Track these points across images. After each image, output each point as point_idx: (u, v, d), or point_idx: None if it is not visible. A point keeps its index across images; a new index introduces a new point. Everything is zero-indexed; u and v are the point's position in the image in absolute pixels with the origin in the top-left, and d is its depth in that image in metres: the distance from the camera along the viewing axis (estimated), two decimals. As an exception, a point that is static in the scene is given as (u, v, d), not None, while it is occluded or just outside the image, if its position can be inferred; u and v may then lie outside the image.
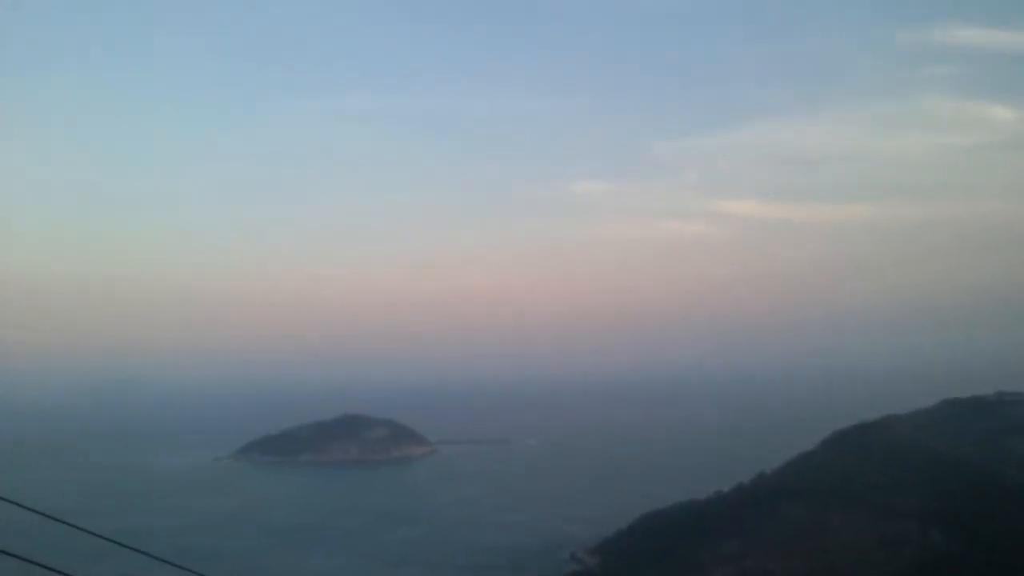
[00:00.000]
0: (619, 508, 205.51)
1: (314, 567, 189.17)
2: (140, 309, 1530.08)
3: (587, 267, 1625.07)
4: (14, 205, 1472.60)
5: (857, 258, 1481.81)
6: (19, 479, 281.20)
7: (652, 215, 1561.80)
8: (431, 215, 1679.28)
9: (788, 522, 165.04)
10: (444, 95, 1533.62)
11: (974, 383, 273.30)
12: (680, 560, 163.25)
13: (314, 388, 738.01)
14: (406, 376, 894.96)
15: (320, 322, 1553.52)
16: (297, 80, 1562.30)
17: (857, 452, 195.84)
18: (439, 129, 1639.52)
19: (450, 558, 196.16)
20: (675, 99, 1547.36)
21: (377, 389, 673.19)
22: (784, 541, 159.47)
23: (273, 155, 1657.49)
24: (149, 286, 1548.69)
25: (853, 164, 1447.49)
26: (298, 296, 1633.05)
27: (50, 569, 14.15)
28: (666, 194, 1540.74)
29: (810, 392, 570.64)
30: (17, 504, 15.03)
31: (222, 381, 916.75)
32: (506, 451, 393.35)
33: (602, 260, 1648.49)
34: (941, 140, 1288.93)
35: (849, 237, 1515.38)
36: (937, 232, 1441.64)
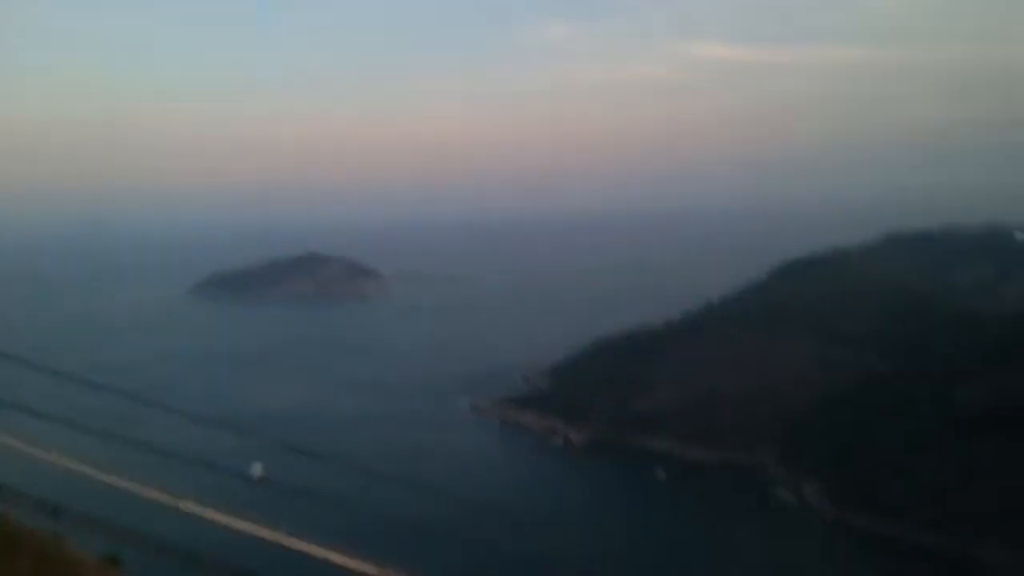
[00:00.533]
0: (573, 337, 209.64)
1: (270, 393, 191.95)
2: (99, 151, 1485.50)
3: (552, 110, 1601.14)
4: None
5: (822, 99, 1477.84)
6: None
7: (617, 59, 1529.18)
8: (392, 59, 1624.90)
9: (733, 346, 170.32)
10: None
11: (928, 216, 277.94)
12: (629, 381, 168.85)
13: (273, 228, 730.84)
14: (370, 217, 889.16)
15: (283, 164, 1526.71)
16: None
17: (804, 282, 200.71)
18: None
19: (405, 383, 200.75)
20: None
21: (340, 229, 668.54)
22: (728, 364, 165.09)
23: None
24: (111, 128, 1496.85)
25: (820, 7, 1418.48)
26: (260, 138, 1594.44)
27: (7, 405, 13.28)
28: (632, 37, 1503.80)
29: (766, 226, 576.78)
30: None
31: (180, 221, 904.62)
32: (465, 287, 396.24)
33: (567, 103, 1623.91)
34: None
35: (814, 79, 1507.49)
36: (903, 75, 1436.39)
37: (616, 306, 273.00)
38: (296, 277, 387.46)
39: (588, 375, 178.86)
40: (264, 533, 11.54)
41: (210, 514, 11.76)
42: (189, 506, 11.72)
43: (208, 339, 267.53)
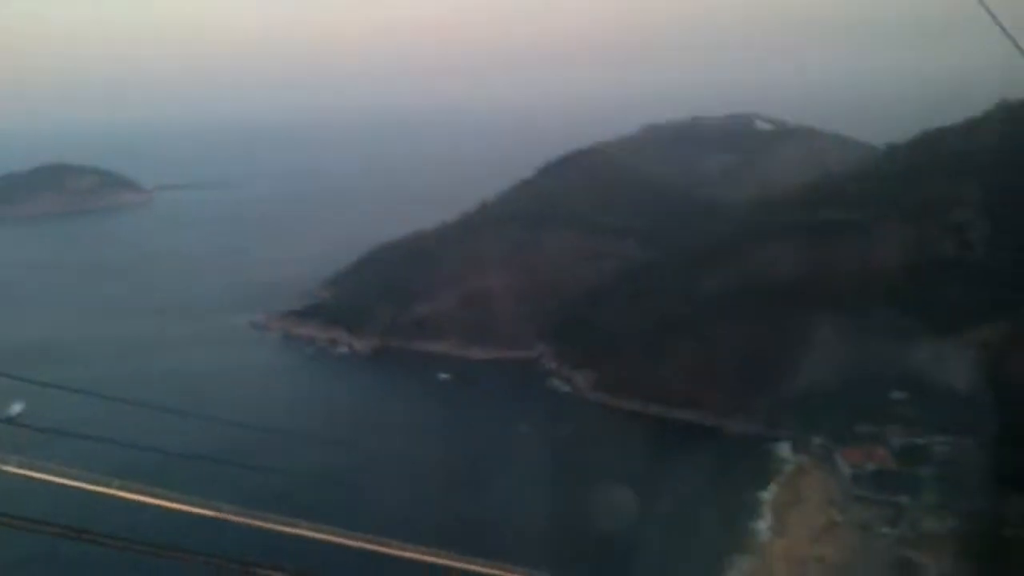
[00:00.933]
0: (349, 245, 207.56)
1: (21, 325, 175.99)
2: None
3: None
4: None
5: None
6: None
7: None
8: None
9: (506, 245, 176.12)
10: None
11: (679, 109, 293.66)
12: (409, 286, 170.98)
13: (4, 136, 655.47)
14: (122, 120, 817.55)
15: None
16: None
17: (570, 178, 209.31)
18: None
19: (175, 304, 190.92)
20: None
21: (87, 134, 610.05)
22: (503, 263, 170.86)
23: None
24: None
25: None
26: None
27: None
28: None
29: (529, 125, 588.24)
30: None
31: None
32: (231, 196, 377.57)
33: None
34: None
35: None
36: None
37: (395, 209, 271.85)
38: (41, 192, 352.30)
39: (369, 282, 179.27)
40: (35, 475, 11.39)
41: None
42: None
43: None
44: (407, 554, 12.31)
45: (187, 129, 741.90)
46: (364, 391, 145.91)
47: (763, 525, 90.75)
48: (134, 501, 11.88)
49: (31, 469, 11.31)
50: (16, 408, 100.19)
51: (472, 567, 12.54)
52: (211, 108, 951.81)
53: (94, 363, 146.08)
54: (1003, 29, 18.73)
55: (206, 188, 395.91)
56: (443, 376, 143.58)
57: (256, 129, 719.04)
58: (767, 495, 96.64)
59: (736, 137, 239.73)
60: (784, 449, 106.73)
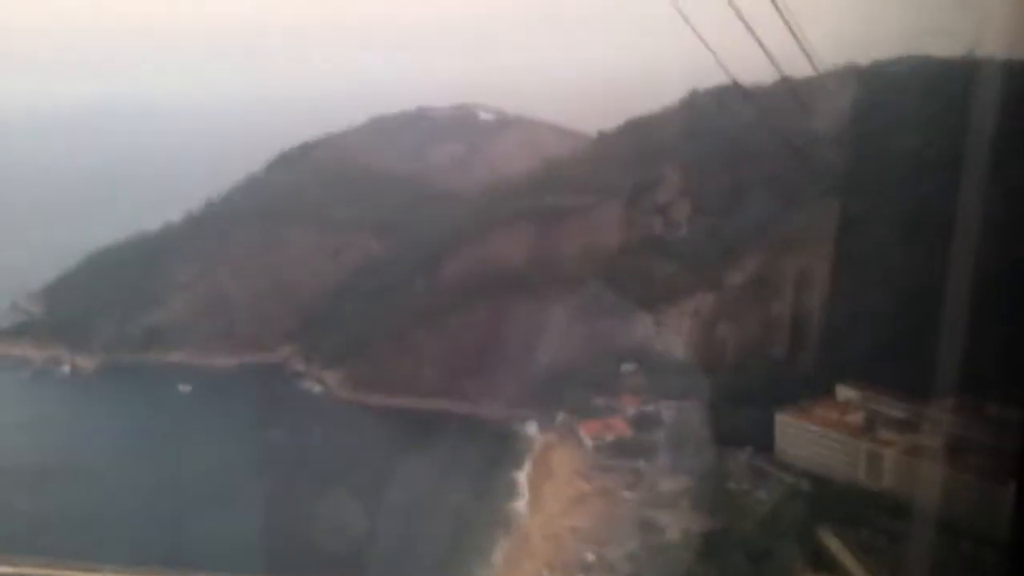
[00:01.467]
0: (59, 251, 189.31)
1: None
2: None
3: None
4: None
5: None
6: None
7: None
8: None
9: (241, 244, 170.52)
10: None
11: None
12: (133, 295, 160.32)
13: None
14: None
15: None
16: None
17: (302, 172, 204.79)
18: None
19: None
20: None
21: None
22: (238, 262, 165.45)
23: None
24: None
25: None
26: None
27: None
28: None
29: (247, 116, 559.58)
30: None
31: None
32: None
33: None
34: None
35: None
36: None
37: (110, 210, 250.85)
38: None
39: (88, 292, 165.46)
40: None
41: None
42: None
43: None
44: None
45: None
46: (95, 413, 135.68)
47: (521, 504, 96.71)
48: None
49: None
50: None
51: None
52: None
53: None
54: (693, 29, 24.35)
55: None
56: (183, 388, 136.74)
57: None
58: (522, 475, 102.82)
59: (461, 127, 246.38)
60: (532, 428, 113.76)
